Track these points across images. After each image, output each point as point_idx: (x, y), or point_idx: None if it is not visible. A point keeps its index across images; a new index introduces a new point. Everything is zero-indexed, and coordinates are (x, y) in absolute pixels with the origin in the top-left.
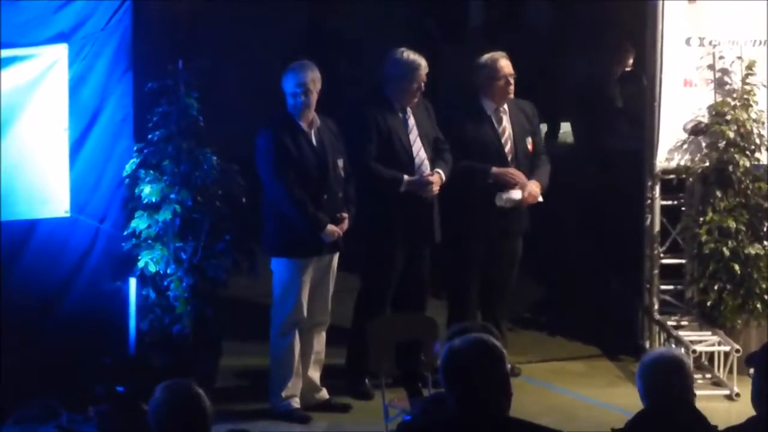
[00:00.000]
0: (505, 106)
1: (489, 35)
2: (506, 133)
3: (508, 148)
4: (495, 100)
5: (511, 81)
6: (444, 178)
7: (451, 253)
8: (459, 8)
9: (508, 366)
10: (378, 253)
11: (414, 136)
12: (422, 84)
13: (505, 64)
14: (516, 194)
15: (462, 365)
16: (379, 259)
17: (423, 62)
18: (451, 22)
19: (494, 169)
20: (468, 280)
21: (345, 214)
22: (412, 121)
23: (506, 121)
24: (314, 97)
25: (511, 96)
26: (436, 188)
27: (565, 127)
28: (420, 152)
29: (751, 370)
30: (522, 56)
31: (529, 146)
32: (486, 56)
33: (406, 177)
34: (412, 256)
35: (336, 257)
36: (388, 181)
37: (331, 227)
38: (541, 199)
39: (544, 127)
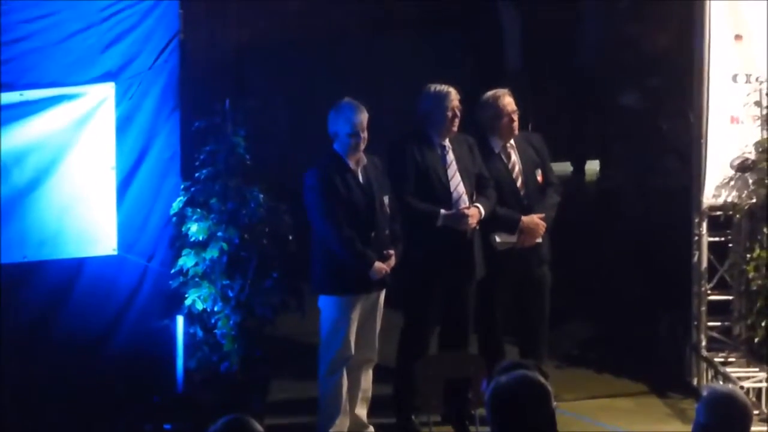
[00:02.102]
0: (512, 141)
1: (531, 77)
2: (516, 168)
3: (519, 182)
4: (501, 137)
5: (515, 118)
6: (483, 213)
7: (478, 290)
8: (498, 51)
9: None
10: (417, 289)
11: (452, 171)
12: (457, 112)
13: (508, 102)
14: (510, 237)
15: (507, 401)
16: (419, 295)
17: (452, 90)
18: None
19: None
20: (493, 317)
21: (392, 251)
22: (450, 156)
23: (515, 156)
24: (366, 137)
25: (516, 132)
26: (473, 222)
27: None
28: (458, 187)
29: None
30: (566, 96)
31: (539, 177)
32: (489, 94)
33: (442, 211)
34: (454, 293)
35: (383, 294)
36: (425, 215)
37: (378, 264)
38: (540, 240)
39: (596, 164)
